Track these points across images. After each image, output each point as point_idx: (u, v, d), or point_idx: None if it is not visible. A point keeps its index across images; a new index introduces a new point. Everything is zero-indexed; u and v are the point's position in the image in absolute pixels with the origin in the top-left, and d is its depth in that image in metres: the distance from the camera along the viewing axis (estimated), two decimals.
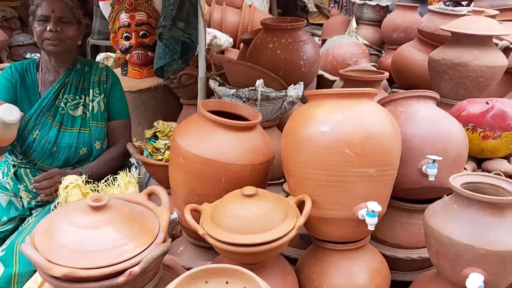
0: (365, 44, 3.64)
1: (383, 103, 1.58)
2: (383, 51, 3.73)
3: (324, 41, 4.03)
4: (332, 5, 4.84)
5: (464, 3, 3.52)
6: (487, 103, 1.78)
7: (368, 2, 3.89)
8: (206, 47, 2.31)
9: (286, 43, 2.11)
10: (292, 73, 2.10)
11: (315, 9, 4.64)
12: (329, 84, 2.96)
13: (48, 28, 1.79)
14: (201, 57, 2.15)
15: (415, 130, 1.44)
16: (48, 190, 1.76)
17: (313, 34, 4.44)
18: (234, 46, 3.44)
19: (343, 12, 4.76)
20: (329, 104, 1.30)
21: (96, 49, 5.41)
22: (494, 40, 2.15)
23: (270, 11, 4.50)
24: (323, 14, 4.72)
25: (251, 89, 1.89)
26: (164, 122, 1.92)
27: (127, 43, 2.66)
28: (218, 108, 1.60)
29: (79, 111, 1.93)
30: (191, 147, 1.42)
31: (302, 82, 2.07)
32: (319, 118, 1.28)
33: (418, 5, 3.36)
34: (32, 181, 1.80)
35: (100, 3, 2.68)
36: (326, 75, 3.04)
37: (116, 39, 2.72)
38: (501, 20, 2.78)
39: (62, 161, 1.90)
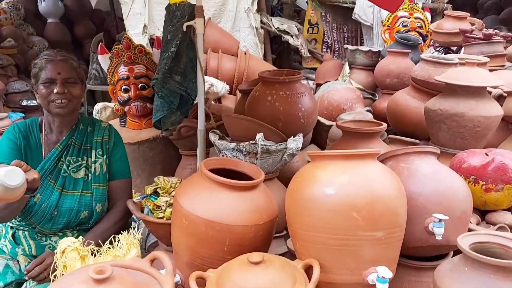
0: (358, 88, 3.71)
1: (384, 158, 1.58)
2: (377, 95, 3.79)
3: (318, 85, 4.09)
4: (324, 50, 4.96)
5: (454, 48, 3.61)
6: (487, 155, 1.80)
7: (360, 48, 3.99)
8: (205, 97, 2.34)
9: (284, 95, 2.13)
10: (291, 125, 2.11)
11: (308, 54, 4.75)
12: (325, 129, 2.97)
13: (55, 91, 1.78)
14: (200, 110, 2.16)
15: (419, 188, 1.44)
16: (42, 275, 1.70)
17: (307, 78, 4.52)
18: (230, 93, 3.48)
19: (335, 57, 4.87)
20: (333, 165, 1.30)
21: (92, 94, 5.46)
22: (488, 89, 2.20)
23: (265, 56, 4.59)
24: (316, 59, 4.82)
25: (252, 143, 1.90)
26: (165, 178, 1.89)
27: (126, 95, 2.67)
28: (219, 166, 1.60)
29: (81, 173, 1.90)
30: (194, 209, 1.40)
31: (301, 134, 2.08)
32: (324, 180, 1.27)
33: (409, 51, 3.45)
34: (25, 272, 1.75)
35: (99, 56, 2.71)
36: (323, 120, 3.06)
37: (114, 91, 2.74)
38: (491, 67, 2.85)
39: (62, 224, 1.86)
